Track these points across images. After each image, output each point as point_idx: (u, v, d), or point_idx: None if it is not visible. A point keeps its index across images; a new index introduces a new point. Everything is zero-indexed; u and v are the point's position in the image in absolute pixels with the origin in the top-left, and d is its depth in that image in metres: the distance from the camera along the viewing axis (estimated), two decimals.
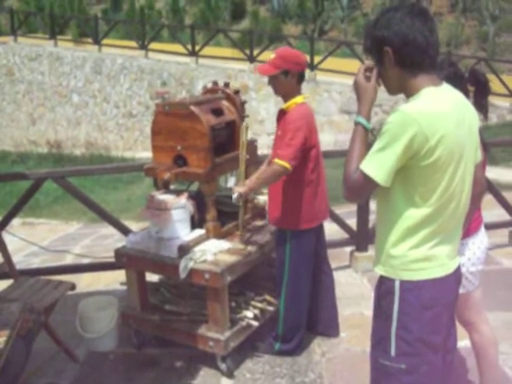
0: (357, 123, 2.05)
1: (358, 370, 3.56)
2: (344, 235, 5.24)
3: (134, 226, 8.68)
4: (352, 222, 5.26)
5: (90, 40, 19.30)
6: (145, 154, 15.56)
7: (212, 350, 3.38)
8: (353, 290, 4.71)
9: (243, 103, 3.85)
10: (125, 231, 4.54)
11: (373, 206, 5.35)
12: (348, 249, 5.30)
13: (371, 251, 5.19)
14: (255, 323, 3.53)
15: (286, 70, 3.29)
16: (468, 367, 3.30)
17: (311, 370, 3.52)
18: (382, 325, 2.10)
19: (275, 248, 3.60)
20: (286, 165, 3.20)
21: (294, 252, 3.47)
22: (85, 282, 5.29)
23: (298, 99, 3.37)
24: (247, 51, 16.55)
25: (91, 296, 3.97)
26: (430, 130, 1.85)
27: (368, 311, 4.38)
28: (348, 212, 6.13)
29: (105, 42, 18.81)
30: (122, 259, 3.57)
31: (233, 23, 21.74)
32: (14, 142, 16.81)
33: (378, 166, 1.90)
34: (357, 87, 2.09)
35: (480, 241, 2.76)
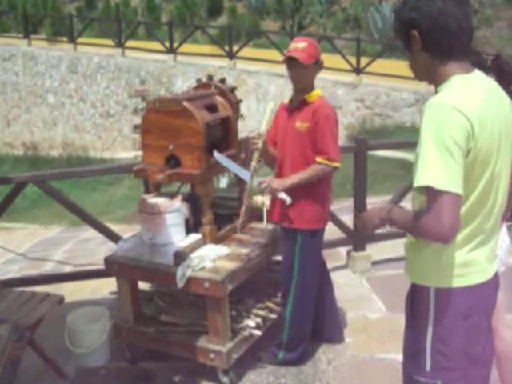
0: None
1: (367, 378, 3.39)
2: (338, 233, 5.04)
3: (115, 228, 8.49)
4: (345, 219, 5.07)
5: (64, 39, 18.87)
6: (124, 154, 15.24)
7: (213, 363, 3.16)
8: (353, 292, 4.52)
9: (238, 102, 3.63)
10: (111, 236, 4.28)
11: (368, 200, 5.24)
12: (342, 248, 5.12)
13: (369, 250, 5.01)
14: (258, 332, 3.32)
15: (318, 58, 3.17)
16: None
17: (318, 380, 3.33)
18: (415, 337, 1.90)
19: (283, 250, 3.40)
20: (337, 164, 3.12)
21: (305, 254, 3.28)
22: (68, 289, 4.98)
23: (318, 91, 3.25)
24: (226, 47, 16.30)
25: (80, 307, 3.71)
26: (472, 121, 1.65)
27: (371, 314, 4.21)
28: (339, 208, 5.93)
29: (80, 40, 18.39)
30: (113, 267, 3.33)
31: (210, 20, 21.41)
32: None
33: (448, 177, 1.62)
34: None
35: (502, 240, 2.58)
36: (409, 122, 13.12)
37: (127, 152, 14.48)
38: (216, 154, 3.20)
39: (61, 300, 3.27)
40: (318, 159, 3.09)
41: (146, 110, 3.34)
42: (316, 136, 3.11)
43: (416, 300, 1.90)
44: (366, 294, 4.50)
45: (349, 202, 6.35)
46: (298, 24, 19.19)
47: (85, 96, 17.71)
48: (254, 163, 3.12)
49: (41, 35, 20.45)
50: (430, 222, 1.63)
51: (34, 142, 15.70)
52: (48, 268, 6.80)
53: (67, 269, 6.28)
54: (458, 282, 1.80)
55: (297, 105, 3.25)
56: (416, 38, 1.77)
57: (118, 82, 17.20)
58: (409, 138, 11.38)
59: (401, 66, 14.56)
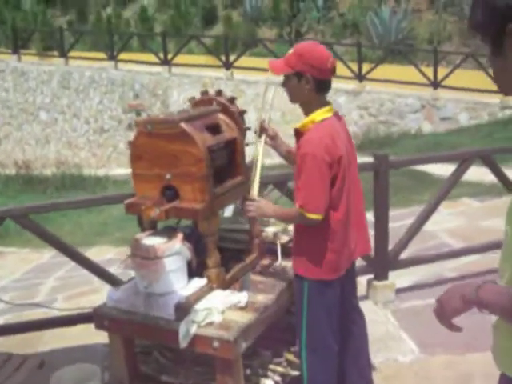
0: None
1: None
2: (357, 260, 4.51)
3: (112, 251, 7.97)
4: None
5: (55, 53, 18.39)
6: (119, 170, 14.70)
7: None
8: (378, 329, 3.98)
9: (242, 113, 3.10)
10: (94, 269, 3.76)
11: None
12: (363, 277, 4.59)
13: (392, 279, 4.49)
14: None
15: (299, 72, 2.54)
16: None
17: None
18: None
19: (294, 297, 2.87)
20: (314, 217, 2.53)
21: (313, 309, 2.73)
22: (53, 333, 4.41)
23: (317, 115, 2.60)
24: (222, 57, 15.83)
25: (67, 366, 3.16)
26: None
27: (402, 356, 3.68)
28: None
29: (72, 54, 17.95)
30: (103, 323, 2.80)
31: (205, 29, 20.99)
32: None
33: None
34: None
35: None
36: (414, 129, 12.65)
37: (123, 168, 13.98)
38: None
39: (41, 364, 2.74)
40: (297, 205, 2.57)
41: (136, 134, 2.81)
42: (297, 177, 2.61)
43: None
44: (393, 332, 3.97)
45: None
46: (296, 31, 18.75)
47: (78, 112, 17.23)
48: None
49: (31, 50, 20.01)
50: None
51: (27, 160, 15.16)
52: (40, 297, 6.32)
53: (57, 301, 5.80)
54: None
55: (294, 133, 2.71)
56: None
57: (111, 96, 16.72)
58: (414, 146, 10.94)
59: (404, 72, 14.16)
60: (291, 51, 2.59)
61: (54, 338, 4.32)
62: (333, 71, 2.60)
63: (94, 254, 8.06)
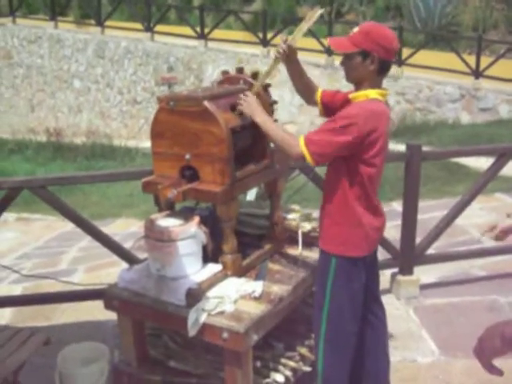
0: None
1: None
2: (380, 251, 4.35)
3: (136, 225, 7.91)
4: (390, 236, 4.38)
5: (92, 22, 18.30)
6: (149, 143, 14.63)
7: None
8: (398, 327, 3.83)
9: (273, 103, 2.94)
10: (111, 246, 3.69)
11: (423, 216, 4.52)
12: (387, 270, 4.42)
13: (417, 273, 4.33)
14: None
15: (366, 50, 2.43)
16: None
17: None
18: None
19: (316, 279, 2.75)
20: (307, 157, 2.41)
21: (337, 289, 2.60)
22: (65, 306, 4.36)
23: (372, 93, 2.49)
24: (260, 34, 15.58)
25: (75, 343, 3.10)
26: None
27: (422, 357, 3.53)
28: None
29: (108, 23, 17.81)
30: (113, 303, 2.72)
31: (244, 5, 20.70)
32: (12, 130, 15.91)
33: None
34: None
35: None
36: (451, 119, 12.27)
37: None
38: None
39: (46, 341, 2.67)
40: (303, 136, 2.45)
41: (157, 110, 2.69)
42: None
43: None
44: (414, 330, 3.82)
45: (386, 208, 5.66)
46: (337, 11, 18.35)
47: (111, 82, 17.17)
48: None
49: (68, 18, 20.01)
50: None
51: (58, 128, 15.15)
52: (62, 266, 6.33)
53: (77, 272, 5.78)
54: None
55: (343, 101, 2.64)
56: None
57: (145, 68, 16.61)
58: (451, 136, 10.60)
59: (445, 58, 13.74)
60: (356, 30, 2.48)
61: (68, 311, 4.29)
62: (397, 53, 2.55)
63: (119, 226, 8.06)
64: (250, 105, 2.60)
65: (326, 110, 2.80)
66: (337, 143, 2.39)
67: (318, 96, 2.80)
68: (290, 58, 2.68)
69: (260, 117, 2.58)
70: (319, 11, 2.62)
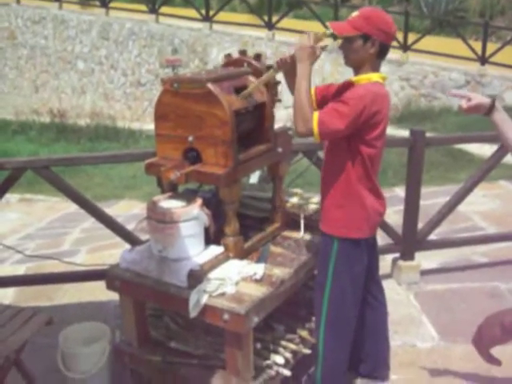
0: None
1: None
2: (381, 236, 4.35)
3: (138, 206, 7.92)
4: (392, 221, 4.39)
5: (97, 3, 18.21)
6: (153, 125, 14.62)
7: None
8: (398, 312, 3.86)
9: (276, 84, 2.95)
10: (114, 227, 3.70)
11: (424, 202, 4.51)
12: (388, 255, 4.43)
13: (418, 259, 4.34)
14: (287, 372, 2.69)
15: (367, 34, 2.49)
16: None
17: None
18: None
19: (317, 262, 2.77)
20: (315, 131, 2.43)
21: (339, 272, 2.65)
22: (67, 286, 4.39)
23: (374, 76, 2.55)
24: (265, 17, 15.48)
25: (77, 323, 3.13)
26: None
27: (421, 342, 3.55)
28: None
29: (113, 4, 17.72)
30: (114, 283, 2.73)
31: None
32: (16, 111, 15.87)
33: None
34: None
35: None
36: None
37: None
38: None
39: (49, 320, 2.69)
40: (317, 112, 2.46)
41: (161, 92, 2.69)
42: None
43: None
44: (414, 315, 3.84)
45: (389, 193, 5.66)
46: None
47: (115, 63, 17.11)
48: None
49: None
50: None
51: (62, 109, 15.09)
52: (65, 247, 6.36)
53: (80, 253, 5.81)
54: None
55: (342, 85, 2.68)
56: None
57: (150, 50, 16.53)
58: (456, 122, 10.56)
59: (451, 44, 13.64)
60: (356, 14, 2.54)
61: (70, 292, 4.32)
62: (394, 37, 2.62)
63: (122, 207, 8.07)
64: (304, 51, 2.55)
65: (322, 106, 2.80)
66: (347, 121, 2.41)
67: (312, 93, 2.79)
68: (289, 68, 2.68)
69: (303, 68, 2.53)
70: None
